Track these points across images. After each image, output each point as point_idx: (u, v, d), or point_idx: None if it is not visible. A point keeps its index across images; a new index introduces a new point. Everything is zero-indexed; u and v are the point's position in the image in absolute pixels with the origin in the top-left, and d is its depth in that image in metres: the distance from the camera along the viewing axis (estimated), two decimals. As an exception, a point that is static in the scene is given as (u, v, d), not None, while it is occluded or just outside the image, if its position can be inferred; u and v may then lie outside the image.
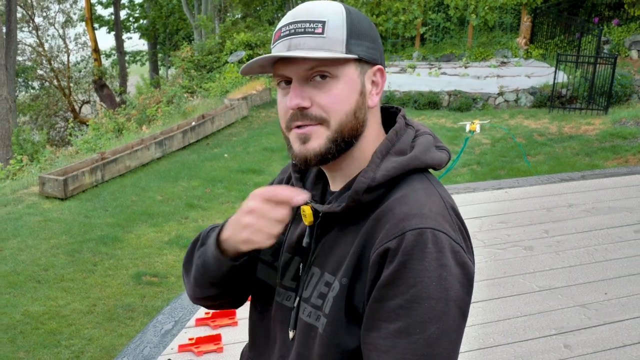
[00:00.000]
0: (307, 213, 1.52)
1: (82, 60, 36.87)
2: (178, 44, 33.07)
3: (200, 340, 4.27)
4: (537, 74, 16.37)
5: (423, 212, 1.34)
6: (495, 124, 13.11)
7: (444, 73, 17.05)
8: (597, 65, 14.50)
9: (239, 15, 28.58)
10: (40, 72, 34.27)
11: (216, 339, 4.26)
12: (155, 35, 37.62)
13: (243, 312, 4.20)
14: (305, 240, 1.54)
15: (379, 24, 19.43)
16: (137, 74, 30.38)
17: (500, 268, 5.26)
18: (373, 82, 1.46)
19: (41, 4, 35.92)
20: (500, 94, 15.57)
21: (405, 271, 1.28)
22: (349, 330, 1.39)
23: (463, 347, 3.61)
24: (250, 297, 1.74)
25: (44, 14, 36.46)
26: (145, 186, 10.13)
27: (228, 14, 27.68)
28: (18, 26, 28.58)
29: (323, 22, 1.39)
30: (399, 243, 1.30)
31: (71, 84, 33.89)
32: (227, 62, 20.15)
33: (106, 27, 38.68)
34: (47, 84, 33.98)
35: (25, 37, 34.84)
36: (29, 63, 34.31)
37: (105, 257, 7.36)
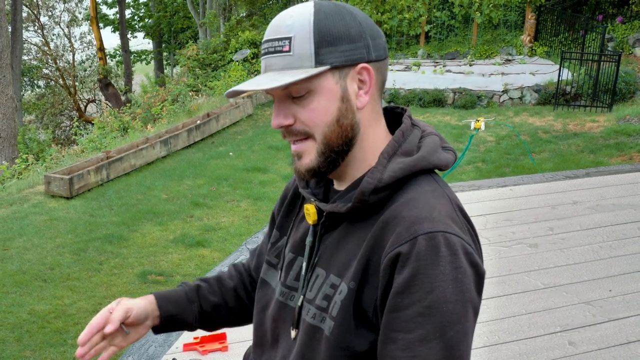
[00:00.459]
0: (311, 212, 1.53)
1: (87, 59, 36.95)
2: (183, 42, 33.10)
3: (205, 339, 4.28)
4: (541, 71, 16.35)
5: (433, 216, 1.34)
6: (500, 122, 13.10)
7: (448, 71, 17.03)
8: (601, 63, 14.46)
9: (244, 14, 28.56)
10: (45, 71, 34.33)
11: (221, 337, 4.28)
12: (160, 34, 37.64)
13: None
14: (308, 239, 1.55)
15: (384, 21, 19.41)
16: (142, 73, 30.43)
17: (505, 265, 5.27)
18: (360, 81, 1.43)
19: (47, 3, 35.96)
20: (505, 91, 15.55)
21: (421, 277, 1.28)
22: (357, 333, 1.39)
23: (467, 345, 3.62)
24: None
25: (50, 13, 36.50)
26: (151, 185, 10.14)
27: (233, 13, 27.68)
28: (24, 25, 28.65)
29: (289, 39, 1.38)
30: (411, 247, 1.30)
31: (76, 83, 33.93)
32: (232, 60, 20.13)
33: (111, 26, 38.71)
34: (52, 83, 34.04)
35: (30, 36, 34.88)
36: (34, 62, 34.36)
37: (111, 255, 7.37)
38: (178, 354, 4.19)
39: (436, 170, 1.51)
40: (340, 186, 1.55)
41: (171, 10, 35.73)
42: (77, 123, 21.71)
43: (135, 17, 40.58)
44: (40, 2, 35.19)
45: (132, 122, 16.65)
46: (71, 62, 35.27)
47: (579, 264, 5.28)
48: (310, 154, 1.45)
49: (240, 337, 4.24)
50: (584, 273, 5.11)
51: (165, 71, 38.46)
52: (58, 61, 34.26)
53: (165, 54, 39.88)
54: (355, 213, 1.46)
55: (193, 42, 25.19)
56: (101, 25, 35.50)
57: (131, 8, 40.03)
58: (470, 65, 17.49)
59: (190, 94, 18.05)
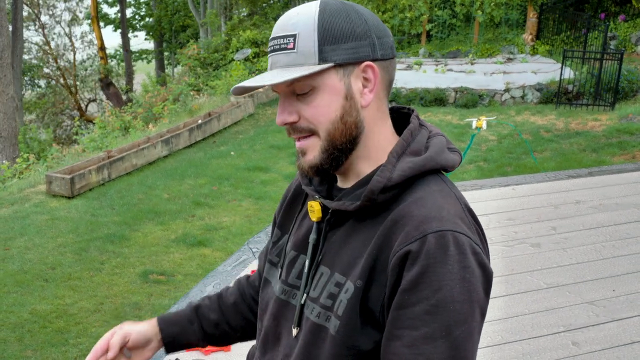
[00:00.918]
0: (315, 209, 1.53)
1: (88, 59, 36.97)
2: (184, 41, 33.10)
3: (208, 339, 4.27)
4: (543, 70, 16.33)
5: (442, 215, 1.34)
6: (502, 121, 13.07)
7: (450, 70, 17.01)
8: (604, 61, 14.45)
9: (245, 13, 28.57)
10: (46, 70, 34.35)
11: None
12: (161, 33, 37.66)
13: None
14: (312, 237, 1.54)
15: (385, 20, 19.39)
16: (143, 72, 30.39)
17: (508, 265, 5.26)
18: (365, 79, 1.43)
19: (47, 2, 36.00)
20: (507, 90, 15.54)
21: (429, 275, 1.28)
22: (363, 332, 1.39)
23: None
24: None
25: (50, 13, 36.54)
26: (152, 184, 10.14)
27: (234, 12, 27.69)
28: (24, 25, 28.65)
29: (294, 36, 1.39)
30: (421, 246, 1.30)
31: (77, 82, 33.96)
32: (233, 59, 20.15)
33: (112, 26, 38.74)
34: (53, 82, 34.06)
35: (31, 35, 34.93)
36: (35, 61, 34.40)
37: (112, 255, 7.36)
38: (181, 354, 4.18)
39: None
40: (344, 184, 1.55)
41: (172, 10, 35.75)
42: (78, 122, 21.64)
43: (136, 16, 40.64)
44: (41, 1, 35.23)
45: (134, 122, 16.64)
46: (72, 61, 35.29)
47: (582, 263, 5.27)
48: (313, 150, 1.46)
49: (242, 337, 4.23)
50: (587, 273, 5.09)
51: (166, 70, 38.49)
52: (59, 60, 34.29)
53: (166, 53, 39.91)
54: (362, 211, 1.45)
55: (194, 42, 25.19)
56: (102, 24, 35.57)
57: (132, 7, 40.07)
58: (472, 64, 17.47)
59: (192, 93, 18.06)
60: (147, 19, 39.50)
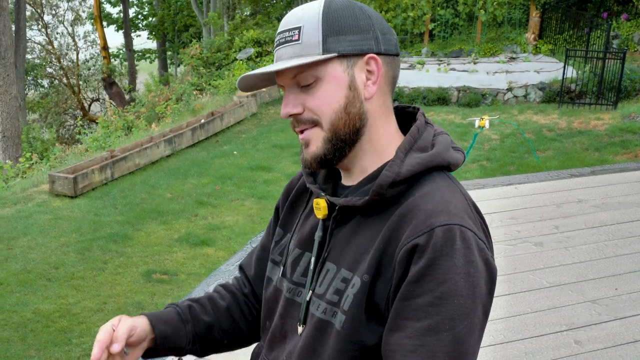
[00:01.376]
0: (321, 206, 1.53)
1: (91, 58, 36.94)
2: (186, 41, 33.10)
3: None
4: (546, 69, 16.31)
5: (450, 209, 1.35)
6: (505, 120, 13.07)
7: (452, 69, 17.00)
8: (606, 60, 14.44)
9: (248, 13, 28.56)
10: (49, 70, 34.32)
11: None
12: (164, 33, 37.66)
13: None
14: (317, 234, 1.54)
15: (388, 20, 19.37)
16: (146, 72, 30.38)
17: (511, 264, 5.26)
18: (368, 72, 1.44)
19: (50, 2, 35.99)
20: (509, 89, 15.54)
21: (435, 268, 1.29)
22: (368, 327, 1.39)
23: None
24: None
25: (53, 12, 36.53)
26: (155, 184, 10.15)
27: (237, 11, 27.68)
28: (27, 24, 28.66)
29: (299, 28, 1.42)
30: (428, 239, 1.31)
31: (80, 82, 33.94)
32: (236, 59, 20.16)
33: (115, 25, 38.74)
34: (56, 81, 34.04)
35: (34, 35, 34.93)
36: (38, 61, 34.38)
37: (115, 255, 7.38)
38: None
39: None
40: (348, 181, 1.56)
41: (175, 9, 35.74)
42: (81, 122, 21.72)
43: (139, 16, 40.62)
44: (43, 1, 35.22)
45: (136, 121, 16.66)
46: (75, 60, 35.29)
47: (585, 262, 5.27)
48: (317, 141, 1.47)
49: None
50: (589, 271, 5.09)
51: (169, 70, 38.49)
52: (62, 60, 34.27)
53: (169, 52, 39.91)
54: (369, 207, 1.46)
55: (197, 41, 25.19)
56: (105, 24, 35.57)
57: (135, 7, 40.07)
58: (475, 64, 17.45)
59: (195, 92, 18.06)
60: (150, 19, 39.50)
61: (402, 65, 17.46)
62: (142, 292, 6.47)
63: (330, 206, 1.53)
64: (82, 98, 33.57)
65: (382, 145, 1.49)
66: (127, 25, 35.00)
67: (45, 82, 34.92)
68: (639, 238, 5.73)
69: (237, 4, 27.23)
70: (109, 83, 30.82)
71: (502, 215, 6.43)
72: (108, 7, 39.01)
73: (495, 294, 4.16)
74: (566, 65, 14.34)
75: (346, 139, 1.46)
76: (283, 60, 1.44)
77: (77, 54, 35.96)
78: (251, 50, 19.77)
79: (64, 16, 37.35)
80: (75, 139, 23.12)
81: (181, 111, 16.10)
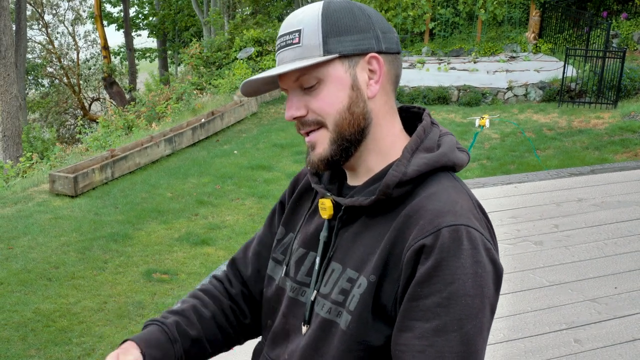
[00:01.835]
0: (327, 206, 1.53)
1: (91, 58, 36.93)
2: (187, 40, 33.09)
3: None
4: (546, 68, 16.32)
5: (456, 209, 1.36)
6: (505, 119, 13.08)
7: (453, 68, 17.00)
8: (606, 59, 14.45)
9: (248, 12, 28.55)
10: (50, 69, 34.31)
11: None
12: (164, 32, 37.64)
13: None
14: (323, 234, 1.55)
15: (388, 19, 19.36)
16: (147, 71, 30.37)
17: (510, 263, 5.26)
18: (370, 71, 1.45)
19: (51, 1, 35.98)
20: (510, 88, 15.54)
21: (442, 268, 1.30)
22: (374, 328, 1.40)
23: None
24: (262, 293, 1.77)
25: (54, 12, 36.50)
26: (155, 183, 10.15)
27: (237, 11, 27.67)
28: (28, 24, 28.66)
29: (299, 31, 1.43)
30: (435, 239, 1.31)
31: (81, 82, 33.94)
32: (236, 58, 20.14)
33: (115, 25, 38.72)
34: (56, 81, 34.04)
35: (35, 34, 34.91)
36: (38, 60, 34.37)
37: (116, 254, 7.38)
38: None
39: None
40: (354, 181, 1.56)
41: (175, 9, 35.73)
42: (81, 121, 21.75)
43: (140, 15, 40.61)
44: (44, 1, 35.21)
45: (137, 121, 16.65)
46: (75, 60, 35.28)
47: (584, 261, 5.28)
48: (323, 142, 1.47)
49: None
50: (589, 270, 5.10)
51: (169, 69, 38.49)
52: (62, 59, 34.27)
53: (169, 52, 39.90)
54: (375, 207, 1.46)
55: (197, 40, 25.18)
56: (105, 23, 35.52)
57: (135, 6, 40.06)
58: (475, 63, 17.46)
59: (195, 92, 18.05)
60: (150, 18, 39.49)
61: (403, 65, 17.42)
62: (142, 292, 6.48)
63: (336, 206, 1.54)
64: (83, 97, 33.56)
65: (386, 145, 1.50)
66: (127, 25, 34.97)
67: (45, 82, 34.92)
68: (639, 237, 5.74)
69: (237, 3, 27.22)
70: (110, 82, 30.79)
71: (502, 214, 6.44)
72: (108, 7, 38.99)
73: (495, 292, 4.10)
74: (566, 64, 14.34)
75: (351, 139, 1.46)
76: (285, 63, 1.45)
77: (78, 53, 35.96)
78: (251, 50, 19.76)
79: (65, 16, 37.33)
80: (76, 139, 23.12)
81: (181, 110, 16.10)
